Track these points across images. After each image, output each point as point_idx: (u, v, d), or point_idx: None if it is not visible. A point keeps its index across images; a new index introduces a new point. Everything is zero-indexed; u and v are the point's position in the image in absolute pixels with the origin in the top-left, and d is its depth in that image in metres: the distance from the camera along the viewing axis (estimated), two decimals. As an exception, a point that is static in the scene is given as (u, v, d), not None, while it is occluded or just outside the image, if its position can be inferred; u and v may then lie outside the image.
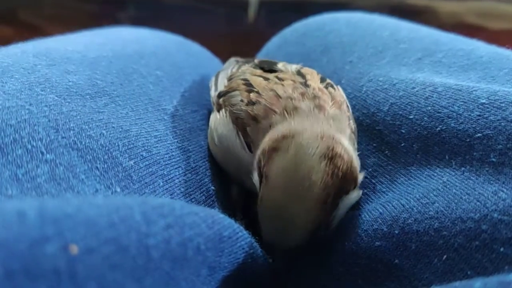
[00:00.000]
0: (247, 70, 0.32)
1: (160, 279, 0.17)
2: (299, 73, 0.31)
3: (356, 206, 0.27)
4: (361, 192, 0.26)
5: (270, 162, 0.24)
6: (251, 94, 0.28)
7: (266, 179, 0.23)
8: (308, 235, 0.23)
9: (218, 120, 0.30)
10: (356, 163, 0.25)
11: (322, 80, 0.31)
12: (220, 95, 0.31)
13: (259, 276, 0.26)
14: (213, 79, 0.36)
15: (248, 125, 0.27)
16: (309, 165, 0.23)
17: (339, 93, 0.30)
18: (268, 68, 0.33)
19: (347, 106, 0.29)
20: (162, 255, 0.17)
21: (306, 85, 0.29)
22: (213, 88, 0.35)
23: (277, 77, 0.30)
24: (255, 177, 0.25)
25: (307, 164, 0.23)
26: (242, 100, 0.28)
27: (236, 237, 0.22)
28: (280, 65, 0.33)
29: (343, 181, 0.23)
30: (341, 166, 0.23)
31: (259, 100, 0.28)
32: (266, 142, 0.25)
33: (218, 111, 0.31)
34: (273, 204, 0.23)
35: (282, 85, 0.29)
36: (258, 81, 0.30)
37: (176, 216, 0.19)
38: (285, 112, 0.26)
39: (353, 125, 0.28)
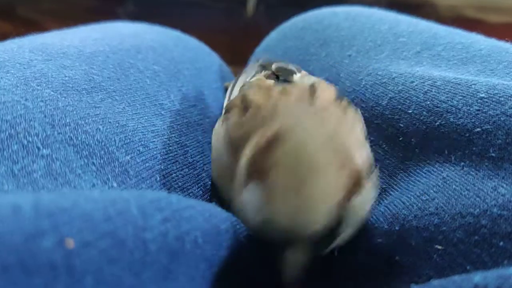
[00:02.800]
0: (256, 82, 0.30)
1: (158, 273, 0.17)
2: (311, 87, 0.27)
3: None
4: (373, 194, 0.23)
5: (273, 149, 0.21)
6: (247, 114, 0.26)
7: (271, 170, 0.20)
8: (329, 217, 0.20)
9: (217, 135, 0.29)
10: (366, 155, 0.23)
11: (338, 97, 0.27)
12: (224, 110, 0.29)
13: (259, 270, 0.26)
14: (231, 83, 0.34)
15: (239, 145, 0.24)
16: (321, 147, 0.21)
17: (357, 115, 0.27)
18: (283, 78, 0.30)
19: (361, 130, 0.26)
20: (159, 248, 0.17)
21: (313, 98, 0.26)
22: (227, 96, 0.33)
23: (283, 91, 0.27)
24: (239, 181, 0.22)
25: (318, 144, 0.21)
26: (239, 122, 0.26)
27: (234, 230, 0.22)
28: (297, 77, 0.30)
29: (354, 169, 0.21)
30: (349, 151, 0.21)
31: (254, 116, 0.25)
32: (257, 139, 0.22)
33: (221, 123, 0.29)
34: (289, 181, 0.20)
35: (284, 100, 0.26)
36: (257, 98, 0.27)
37: (173, 210, 0.19)
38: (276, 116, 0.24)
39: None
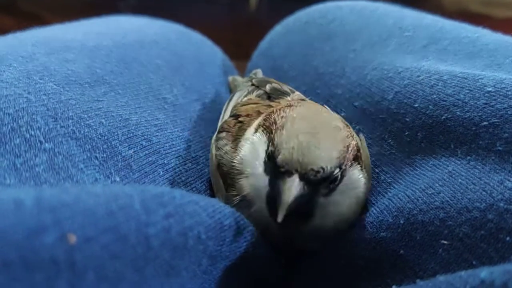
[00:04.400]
0: (245, 101, 0.32)
1: (161, 268, 0.17)
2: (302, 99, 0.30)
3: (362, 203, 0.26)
4: (363, 178, 0.25)
5: (287, 110, 0.25)
6: (239, 119, 0.28)
7: (286, 118, 0.24)
8: (332, 162, 0.22)
9: (211, 158, 0.29)
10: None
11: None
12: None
13: (262, 267, 0.26)
14: (226, 103, 0.35)
15: (230, 174, 0.26)
16: (328, 115, 0.26)
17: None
18: (276, 97, 0.32)
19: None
20: (162, 244, 0.17)
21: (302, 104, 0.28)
22: (221, 115, 0.34)
23: (272, 101, 0.30)
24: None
25: (326, 113, 0.26)
26: (226, 144, 0.27)
27: (238, 225, 0.22)
28: (289, 98, 0.32)
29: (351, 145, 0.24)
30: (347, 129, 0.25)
31: (249, 119, 0.27)
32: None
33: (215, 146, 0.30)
34: (301, 128, 0.23)
35: (272, 106, 0.29)
36: (245, 108, 0.29)
37: (176, 205, 0.18)
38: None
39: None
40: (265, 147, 0.24)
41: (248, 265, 0.24)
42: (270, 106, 0.29)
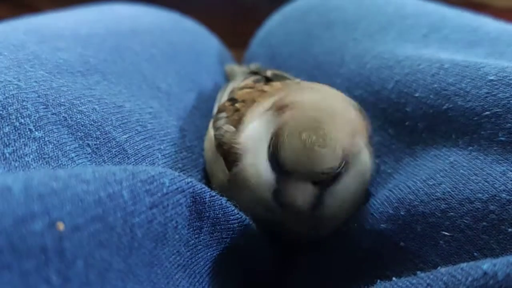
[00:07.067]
0: (242, 85, 0.31)
1: (145, 258, 0.17)
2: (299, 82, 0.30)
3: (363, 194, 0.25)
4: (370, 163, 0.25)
5: (294, 95, 0.24)
6: (236, 104, 0.27)
7: (293, 105, 0.23)
8: (337, 161, 0.22)
9: (207, 142, 0.29)
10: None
11: None
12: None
13: (253, 257, 0.25)
14: (221, 91, 0.34)
15: (232, 149, 0.25)
16: (336, 101, 0.24)
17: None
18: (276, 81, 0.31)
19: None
20: (145, 234, 0.17)
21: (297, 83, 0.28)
22: (217, 101, 0.33)
23: (267, 84, 0.29)
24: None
25: (334, 99, 0.24)
26: (227, 117, 0.27)
27: (222, 214, 0.22)
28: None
29: (360, 128, 0.24)
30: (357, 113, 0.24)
31: (244, 104, 0.27)
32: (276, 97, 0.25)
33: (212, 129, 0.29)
34: (304, 121, 0.22)
35: (271, 86, 0.28)
36: (242, 92, 0.29)
37: (162, 194, 0.18)
38: (279, 91, 0.26)
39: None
40: (269, 136, 0.23)
41: (237, 255, 0.23)
42: (263, 91, 0.28)
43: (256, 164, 0.23)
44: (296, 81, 0.31)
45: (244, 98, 0.28)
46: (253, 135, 0.24)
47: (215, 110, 0.31)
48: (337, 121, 0.22)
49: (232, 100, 0.28)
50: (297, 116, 0.22)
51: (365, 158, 0.24)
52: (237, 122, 0.26)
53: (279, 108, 0.23)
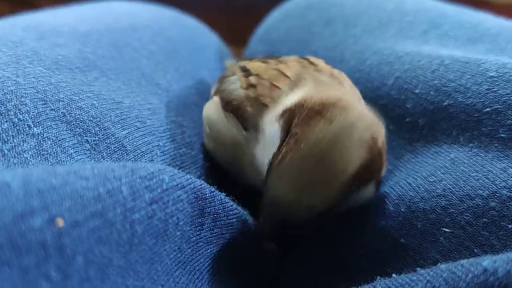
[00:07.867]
0: (245, 60, 0.30)
1: (145, 254, 0.17)
2: (304, 58, 0.29)
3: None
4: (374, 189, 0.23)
5: (308, 124, 0.21)
6: (250, 77, 0.26)
7: (298, 139, 0.21)
8: (336, 197, 0.20)
9: (210, 107, 0.28)
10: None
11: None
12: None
13: (253, 255, 0.25)
14: (215, 84, 0.33)
15: (246, 106, 0.25)
16: (350, 146, 0.21)
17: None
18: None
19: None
20: (145, 230, 0.17)
21: (314, 64, 0.27)
22: (212, 91, 0.32)
23: (278, 60, 0.28)
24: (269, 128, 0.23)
25: (348, 145, 0.21)
26: (241, 86, 0.26)
27: (222, 211, 0.22)
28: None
29: (372, 172, 0.22)
30: (376, 158, 0.21)
31: (260, 82, 0.25)
32: (303, 100, 0.22)
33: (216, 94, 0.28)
34: (307, 159, 0.20)
35: (287, 65, 0.26)
36: (256, 65, 0.27)
37: (162, 190, 0.18)
38: (302, 80, 0.24)
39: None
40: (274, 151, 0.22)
41: (236, 251, 0.23)
42: (281, 72, 0.26)
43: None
44: (314, 62, 0.28)
45: (258, 71, 0.26)
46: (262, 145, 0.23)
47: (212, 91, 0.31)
48: (345, 156, 0.20)
49: (245, 71, 0.27)
50: (296, 157, 0.21)
51: (370, 190, 0.23)
52: (247, 84, 0.25)
53: (287, 125, 0.22)
